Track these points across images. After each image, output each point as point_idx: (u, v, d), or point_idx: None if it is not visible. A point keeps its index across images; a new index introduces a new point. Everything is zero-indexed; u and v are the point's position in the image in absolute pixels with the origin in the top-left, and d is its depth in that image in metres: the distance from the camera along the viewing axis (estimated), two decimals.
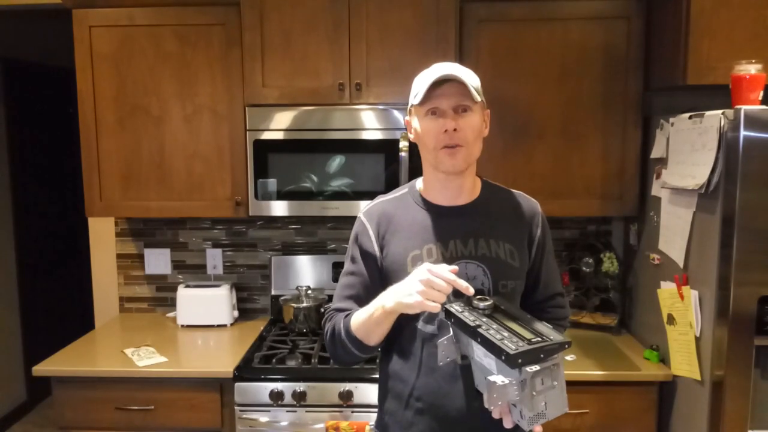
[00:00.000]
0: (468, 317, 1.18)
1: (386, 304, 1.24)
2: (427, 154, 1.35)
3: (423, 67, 1.38)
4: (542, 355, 1.10)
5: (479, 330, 1.14)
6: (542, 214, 1.46)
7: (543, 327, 1.18)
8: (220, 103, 2.29)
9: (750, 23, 1.96)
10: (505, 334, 1.13)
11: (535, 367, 1.09)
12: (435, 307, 1.16)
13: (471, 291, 1.18)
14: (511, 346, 1.08)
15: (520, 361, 1.08)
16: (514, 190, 1.48)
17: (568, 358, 2.10)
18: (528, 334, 1.13)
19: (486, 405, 1.18)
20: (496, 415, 1.18)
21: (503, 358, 1.09)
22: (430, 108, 1.31)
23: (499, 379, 1.10)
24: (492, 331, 1.13)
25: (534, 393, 1.09)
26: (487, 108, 1.40)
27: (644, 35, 2.21)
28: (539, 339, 1.12)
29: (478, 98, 1.30)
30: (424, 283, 1.17)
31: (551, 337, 1.13)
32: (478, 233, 1.36)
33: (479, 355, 1.19)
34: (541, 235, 1.44)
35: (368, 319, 1.29)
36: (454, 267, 1.20)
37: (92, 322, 2.76)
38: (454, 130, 1.28)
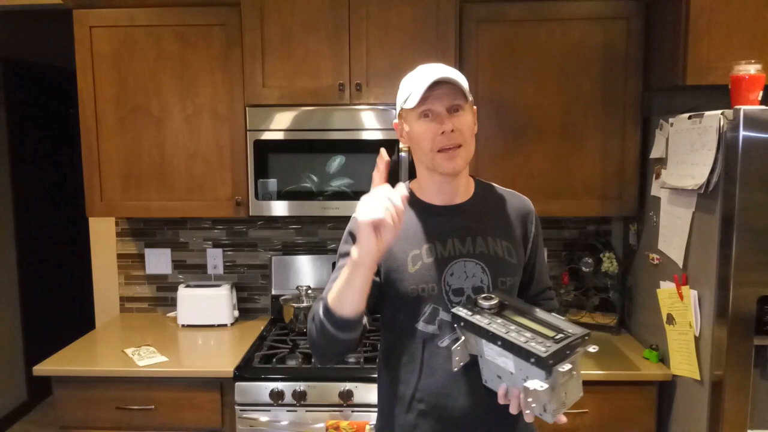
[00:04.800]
0: (481, 320, 1.17)
1: (352, 254, 1.18)
2: (423, 156, 1.34)
3: None
4: (568, 352, 1.09)
5: (499, 334, 1.12)
6: (534, 211, 1.47)
7: (556, 320, 1.17)
8: (220, 104, 2.30)
9: (749, 23, 1.96)
10: (528, 335, 1.11)
11: (568, 366, 1.07)
12: (389, 224, 1.11)
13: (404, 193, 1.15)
14: (540, 348, 1.07)
15: (551, 362, 1.06)
16: (506, 189, 1.49)
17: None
18: (548, 331, 1.11)
19: (501, 401, 1.18)
20: (514, 411, 1.17)
21: (533, 361, 1.07)
22: (424, 110, 1.30)
23: (536, 384, 1.07)
24: (513, 333, 1.11)
25: (560, 388, 1.09)
26: (474, 106, 1.39)
27: (644, 35, 2.21)
28: (562, 335, 1.10)
29: (470, 97, 1.31)
30: (383, 206, 1.12)
31: (571, 330, 1.12)
32: (476, 231, 1.37)
33: (491, 354, 1.17)
34: (535, 232, 1.45)
35: (340, 282, 1.21)
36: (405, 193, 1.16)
37: (93, 322, 2.77)
38: (452, 131, 1.28)
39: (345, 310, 1.20)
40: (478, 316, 1.18)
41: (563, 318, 1.19)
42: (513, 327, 1.13)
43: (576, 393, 1.14)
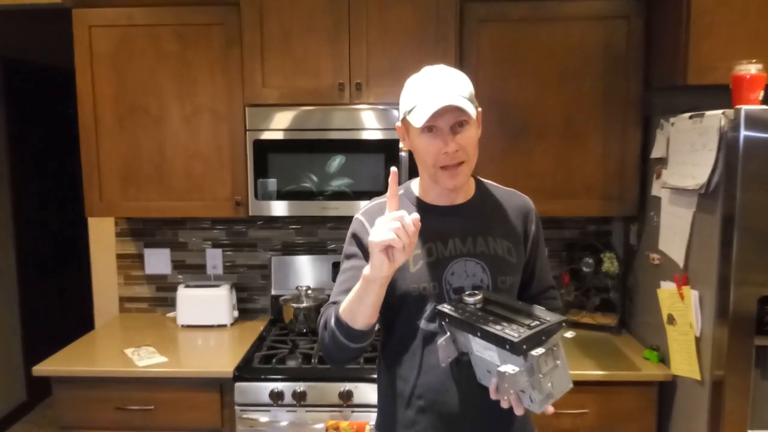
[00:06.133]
0: (463, 315, 1.19)
1: (364, 271, 1.20)
2: (424, 167, 1.34)
3: (423, 67, 1.34)
4: (544, 337, 1.12)
5: (478, 324, 1.15)
6: (535, 210, 1.47)
7: (536, 310, 1.20)
8: (219, 103, 2.29)
9: (750, 23, 1.96)
10: (504, 323, 1.14)
11: (541, 350, 1.10)
12: (398, 243, 1.12)
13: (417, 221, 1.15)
14: (513, 333, 1.10)
15: (524, 347, 1.09)
16: (506, 188, 1.49)
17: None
18: (525, 320, 1.15)
19: (493, 396, 1.19)
20: (505, 405, 1.18)
21: (507, 347, 1.10)
22: (427, 126, 1.27)
23: (509, 368, 1.11)
24: (491, 323, 1.15)
25: (541, 375, 1.11)
26: (479, 108, 1.36)
27: (644, 35, 2.21)
28: (537, 322, 1.14)
29: (474, 112, 1.27)
30: (396, 230, 1.13)
31: (548, 318, 1.16)
32: (476, 231, 1.37)
33: (478, 349, 1.20)
34: (535, 231, 1.45)
35: (352, 297, 1.25)
36: (416, 216, 1.16)
37: (92, 322, 2.76)
38: (455, 151, 1.27)
39: (357, 323, 1.25)
40: (460, 311, 1.20)
41: (545, 309, 1.22)
42: (492, 318, 1.17)
43: (564, 384, 1.16)
